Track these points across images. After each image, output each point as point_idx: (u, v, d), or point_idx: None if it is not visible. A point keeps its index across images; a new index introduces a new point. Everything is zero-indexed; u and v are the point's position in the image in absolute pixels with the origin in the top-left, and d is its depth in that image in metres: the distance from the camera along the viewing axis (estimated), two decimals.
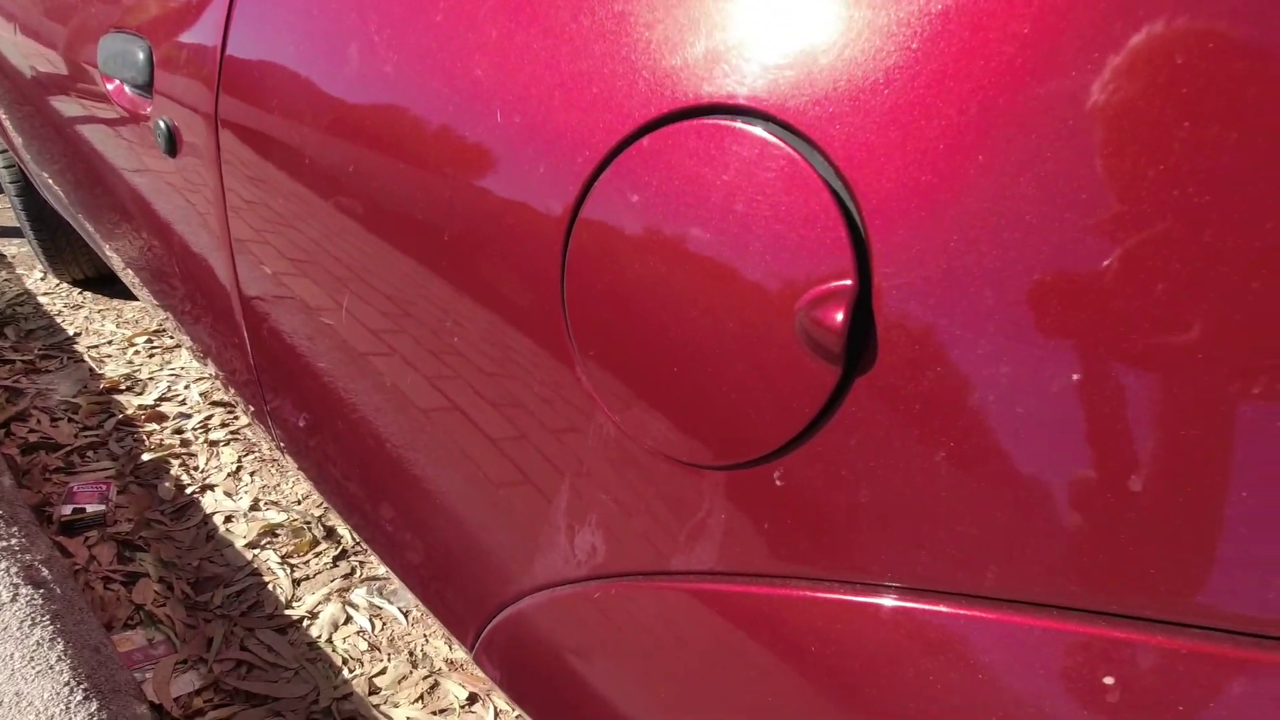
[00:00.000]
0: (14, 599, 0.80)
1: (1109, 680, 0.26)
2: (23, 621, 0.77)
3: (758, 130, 0.30)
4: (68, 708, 0.69)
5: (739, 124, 0.30)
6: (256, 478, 1.34)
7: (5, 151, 1.66)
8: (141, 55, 0.71)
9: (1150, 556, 0.25)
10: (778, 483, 0.32)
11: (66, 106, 0.99)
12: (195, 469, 1.35)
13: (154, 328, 1.79)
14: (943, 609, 0.29)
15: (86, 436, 1.37)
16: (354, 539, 1.21)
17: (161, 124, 0.71)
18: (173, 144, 0.71)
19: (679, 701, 0.41)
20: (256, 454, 1.40)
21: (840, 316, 0.28)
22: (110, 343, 1.71)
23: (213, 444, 1.42)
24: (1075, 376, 0.25)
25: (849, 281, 0.28)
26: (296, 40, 0.54)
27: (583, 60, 0.36)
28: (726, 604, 0.36)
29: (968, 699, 0.29)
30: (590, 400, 0.39)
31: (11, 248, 2.14)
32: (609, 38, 0.34)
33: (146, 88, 0.72)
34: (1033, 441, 0.26)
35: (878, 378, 0.29)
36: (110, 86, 0.79)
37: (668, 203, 0.33)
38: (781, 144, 0.29)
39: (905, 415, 0.28)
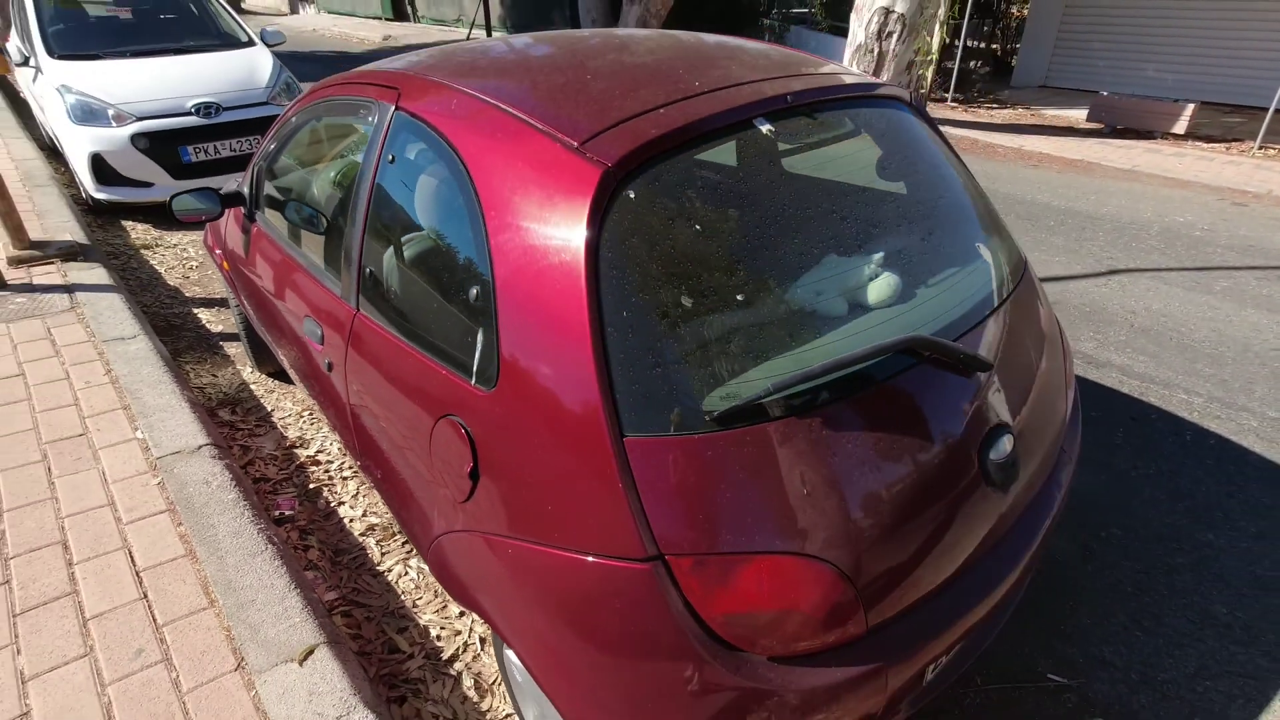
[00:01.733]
0: (266, 549, 1.92)
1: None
2: (272, 559, 1.87)
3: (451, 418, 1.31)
4: (299, 605, 1.77)
5: (451, 419, 1.31)
6: (365, 498, 2.45)
7: (241, 314, 2.91)
8: (320, 332, 1.80)
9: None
10: (468, 505, 1.31)
11: (291, 329, 2.13)
12: (335, 492, 2.47)
13: (312, 404, 2.98)
14: (510, 539, 1.27)
15: (282, 474, 2.54)
16: None
17: (326, 360, 1.80)
18: (330, 367, 1.79)
19: (491, 590, 1.37)
20: (366, 484, 2.51)
21: (470, 466, 1.27)
22: (289, 415, 2.91)
23: (344, 479, 2.54)
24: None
25: (470, 464, 1.27)
26: (371, 362, 1.59)
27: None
28: (478, 543, 1.35)
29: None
30: (434, 473, 1.40)
31: (232, 349, 3.44)
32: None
33: (321, 342, 1.81)
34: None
35: (486, 483, 1.27)
36: (306, 337, 1.90)
37: (453, 441, 1.33)
38: (455, 421, 1.29)
39: (499, 494, 1.26)
